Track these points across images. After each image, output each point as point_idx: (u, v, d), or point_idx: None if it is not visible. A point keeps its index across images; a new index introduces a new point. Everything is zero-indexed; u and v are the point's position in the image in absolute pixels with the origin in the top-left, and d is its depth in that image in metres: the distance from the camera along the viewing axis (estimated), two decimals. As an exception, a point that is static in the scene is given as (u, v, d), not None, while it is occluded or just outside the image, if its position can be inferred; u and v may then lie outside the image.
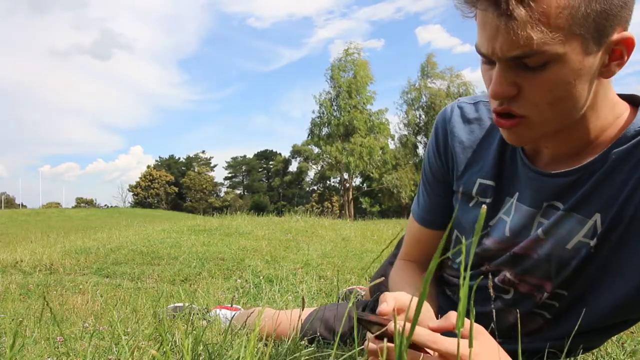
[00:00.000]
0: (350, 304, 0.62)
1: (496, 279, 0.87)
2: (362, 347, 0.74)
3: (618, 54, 0.66)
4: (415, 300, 0.73)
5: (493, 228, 0.86)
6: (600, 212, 0.74)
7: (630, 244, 0.73)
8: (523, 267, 0.83)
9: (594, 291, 0.80)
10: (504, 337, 0.87)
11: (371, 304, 1.23)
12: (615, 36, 0.64)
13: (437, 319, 0.85)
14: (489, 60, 0.69)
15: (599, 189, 0.74)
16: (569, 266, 0.78)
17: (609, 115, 0.73)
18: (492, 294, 0.87)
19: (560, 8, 0.60)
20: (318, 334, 1.20)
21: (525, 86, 0.67)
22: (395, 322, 0.44)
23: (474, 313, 0.46)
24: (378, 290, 1.26)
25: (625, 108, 0.75)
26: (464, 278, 0.37)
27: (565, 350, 0.83)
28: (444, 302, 1.00)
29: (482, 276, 0.88)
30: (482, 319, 0.89)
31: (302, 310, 0.88)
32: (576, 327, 0.80)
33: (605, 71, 0.68)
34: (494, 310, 0.86)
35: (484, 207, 0.51)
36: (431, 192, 0.97)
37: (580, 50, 0.63)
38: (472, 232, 0.89)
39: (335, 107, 33.82)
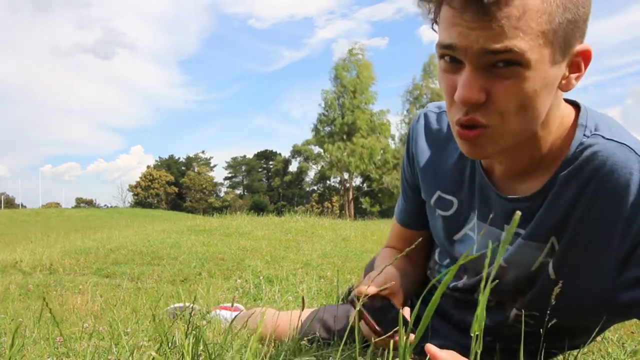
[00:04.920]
0: (358, 307, 0.62)
1: (474, 295, 0.88)
2: (363, 342, 0.74)
3: (576, 66, 0.68)
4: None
5: (459, 243, 0.89)
6: (556, 234, 0.76)
7: (585, 262, 0.75)
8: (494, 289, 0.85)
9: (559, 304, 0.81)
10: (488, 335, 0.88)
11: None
12: (577, 47, 0.66)
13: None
14: (453, 63, 0.67)
15: (551, 212, 0.75)
16: (537, 284, 0.80)
17: (559, 130, 0.75)
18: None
19: (540, 13, 0.61)
20: (317, 334, 1.20)
21: (493, 93, 0.65)
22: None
23: (484, 319, 0.47)
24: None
25: (570, 119, 0.76)
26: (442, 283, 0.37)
27: (542, 349, 0.85)
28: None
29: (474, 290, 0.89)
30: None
31: (302, 310, 0.88)
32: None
33: (565, 84, 0.69)
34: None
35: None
36: (406, 196, 1.02)
37: (548, 59, 0.64)
38: (441, 240, 0.93)
39: (339, 107, 33.89)
